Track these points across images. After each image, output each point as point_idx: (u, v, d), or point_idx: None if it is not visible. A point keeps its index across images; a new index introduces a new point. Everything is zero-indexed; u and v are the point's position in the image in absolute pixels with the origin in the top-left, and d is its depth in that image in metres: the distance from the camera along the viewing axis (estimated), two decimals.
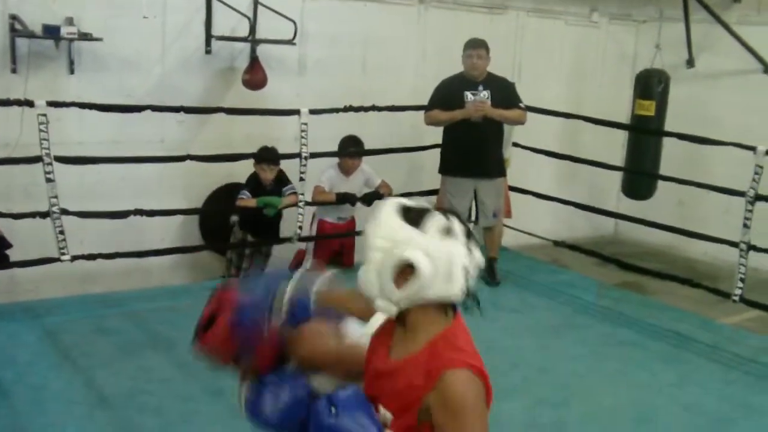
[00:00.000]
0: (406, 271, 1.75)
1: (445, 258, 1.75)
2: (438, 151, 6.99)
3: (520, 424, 4.44)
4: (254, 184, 6.48)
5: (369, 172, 6.97)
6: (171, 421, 4.22)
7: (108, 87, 6.08)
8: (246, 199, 6.43)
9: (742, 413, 4.75)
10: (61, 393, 4.49)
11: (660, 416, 4.65)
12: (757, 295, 6.06)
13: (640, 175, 7.59)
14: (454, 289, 1.77)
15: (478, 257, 1.84)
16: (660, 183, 7.34)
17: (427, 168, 7.28)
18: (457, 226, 1.80)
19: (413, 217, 1.79)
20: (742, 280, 6.01)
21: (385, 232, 1.79)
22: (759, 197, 5.93)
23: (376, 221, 1.82)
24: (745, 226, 5.99)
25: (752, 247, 5.97)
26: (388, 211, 1.82)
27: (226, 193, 6.71)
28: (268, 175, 6.46)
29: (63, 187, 5.62)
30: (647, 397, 4.89)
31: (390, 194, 6.98)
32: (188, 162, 6.16)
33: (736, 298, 6.02)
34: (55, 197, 5.61)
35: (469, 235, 1.83)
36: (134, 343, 5.25)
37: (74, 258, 5.74)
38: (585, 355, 5.52)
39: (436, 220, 1.79)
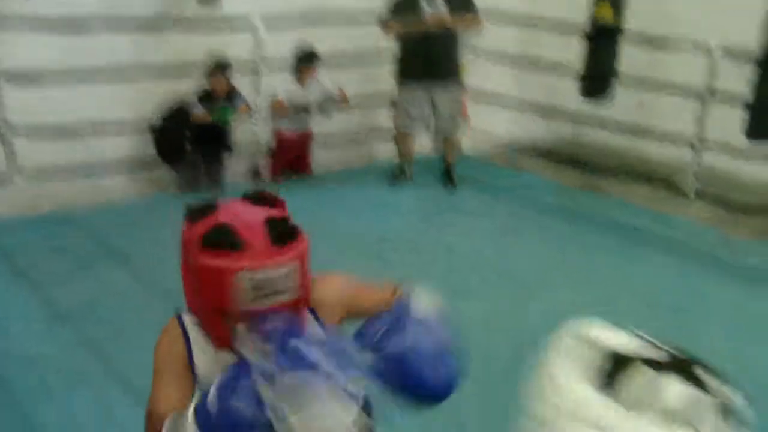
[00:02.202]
0: None
1: None
2: (394, 58, 6.90)
3: (480, 324, 4.48)
4: (207, 97, 6.38)
5: (325, 81, 6.88)
6: (129, 333, 4.21)
7: (57, 9, 5.89)
8: (200, 112, 6.33)
9: (697, 303, 4.85)
10: (20, 311, 4.47)
11: (620, 310, 4.70)
12: (711, 190, 6.14)
13: (599, 77, 7.55)
14: None
15: None
16: (618, 83, 7.31)
17: (384, 76, 7.19)
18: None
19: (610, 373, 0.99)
20: (697, 177, 6.08)
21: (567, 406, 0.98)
22: (712, 95, 5.95)
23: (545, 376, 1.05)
24: (699, 124, 6.04)
25: (706, 145, 6.03)
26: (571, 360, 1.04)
27: (180, 108, 6.59)
28: (221, 85, 6.35)
29: (13, 108, 5.49)
30: (607, 292, 4.95)
31: (346, 103, 6.92)
32: (142, 78, 6.03)
33: (692, 194, 6.10)
34: (4, 118, 5.48)
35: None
36: (90, 258, 5.21)
37: (27, 177, 5.63)
38: (545, 255, 5.57)
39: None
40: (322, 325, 1.81)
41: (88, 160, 5.99)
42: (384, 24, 6.70)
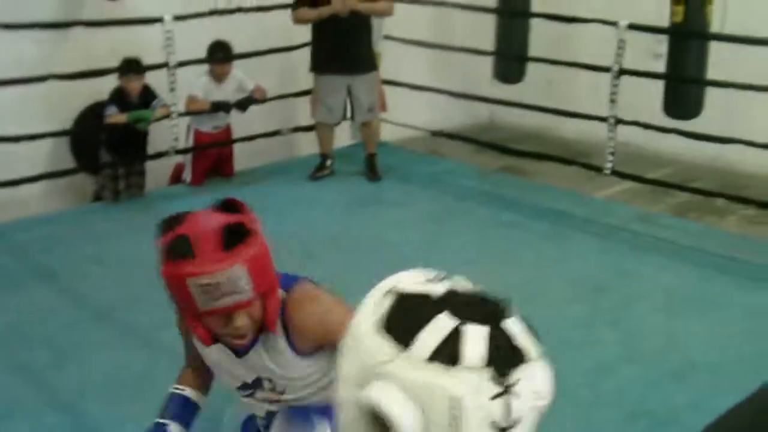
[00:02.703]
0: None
1: (441, 404, 0.90)
2: (309, 50, 6.89)
3: None
4: (120, 99, 6.25)
5: (241, 77, 6.82)
6: (62, 351, 4.16)
7: None
8: (114, 115, 6.21)
9: (618, 279, 5.00)
10: None
11: (544, 291, 4.84)
12: (627, 167, 6.31)
13: (510, 59, 7.66)
14: None
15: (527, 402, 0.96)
16: (530, 65, 7.44)
17: (300, 68, 7.17)
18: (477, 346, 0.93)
19: (403, 324, 0.95)
20: (612, 154, 6.25)
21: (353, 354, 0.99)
22: (623, 71, 6.11)
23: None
24: (612, 101, 6.20)
25: (620, 121, 6.20)
26: (365, 311, 1.03)
27: (95, 112, 6.47)
28: (134, 85, 6.22)
29: None
30: (532, 274, 5.07)
31: (264, 98, 6.89)
32: (51, 82, 5.90)
33: (608, 172, 6.26)
34: None
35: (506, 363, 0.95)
36: (13, 275, 5.10)
37: None
38: (471, 241, 5.65)
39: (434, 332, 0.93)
40: (293, 348, 2.04)
41: (3, 170, 5.84)
42: (294, 13, 6.68)
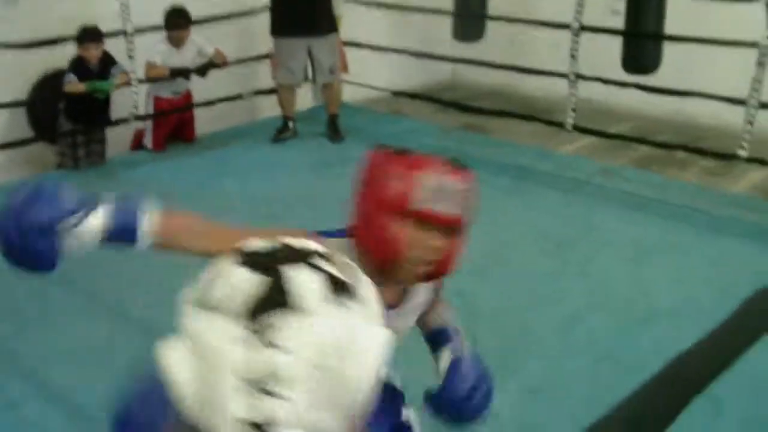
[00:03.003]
0: None
1: (202, 353, 0.86)
2: (268, 13, 6.83)
3: None
4: (79, 67, 6.16)
5: (200, 42, 6.75)
6: (24, 319, 4.12)
7: None
8: (74, 83, 6.13)
9: (584, 232, 5.05)
10: None
11: (511, 247, 4.88)
12: (588, 122, 6.36)
13: (469, 17, 7.65)
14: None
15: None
16: (490, 23, 7.44)
17: (259, 32, 7.11)
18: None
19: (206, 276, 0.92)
20: (573, 110, 6.29)
21: None
22: (583, 28, 6.14)
23: None
24: (573, 57, 6.23)
25: (580, 77, 6.23)
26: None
27: (52, 81, 6.36)
28: (93, 53, 6.13)
29: None
30: (497, 231, 5.09)
31: (224, 62, 6.83)
32: (3, 52, 5.78)
33: (570, 127, 6.31)
34: None
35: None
36: None
37: None
38: None
39: None
40: (437, 292, 2.08)
41: None
42: None
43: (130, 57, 6.31)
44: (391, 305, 1.79)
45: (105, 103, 6.38)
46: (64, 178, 6.25)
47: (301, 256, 0.89)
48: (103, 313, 4.20)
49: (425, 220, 1.63)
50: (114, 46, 6.29)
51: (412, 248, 1.65)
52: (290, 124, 7.00)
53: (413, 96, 7.51)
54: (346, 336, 0.84)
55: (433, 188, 1.63)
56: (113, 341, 3.79)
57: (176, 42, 6.60)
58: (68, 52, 6.16)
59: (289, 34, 6.67)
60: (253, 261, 0.88)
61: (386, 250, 1.67)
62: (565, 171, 6.09)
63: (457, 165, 1.75)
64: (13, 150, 6.27)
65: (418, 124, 7.42)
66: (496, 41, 7.56)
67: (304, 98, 7.41)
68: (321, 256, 0.90)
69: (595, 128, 6.37)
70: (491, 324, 4.01)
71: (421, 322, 2.03)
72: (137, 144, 6.87)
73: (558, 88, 6.55)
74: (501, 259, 4.71)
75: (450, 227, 1.67)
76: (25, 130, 6.39)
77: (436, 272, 1.76)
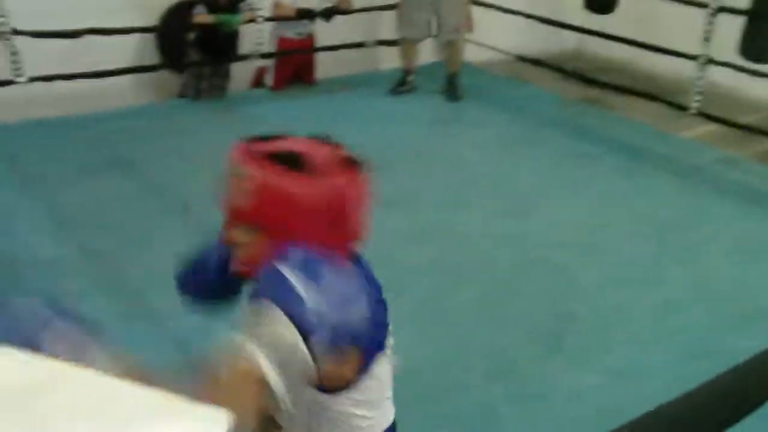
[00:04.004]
0: None
1: None
2: None
3: (482, 234, 4.57)
4: (209, 0, 6.29)
5: None
6: (133, 239, 4.29)
7: None
8: (203, 15, 6.26)
9: (692, 220, 4.91)
10: (26, 215, 4.53)
11: (615, 225, 4.80)
12: (714, 109, 6.13)
13: None
14: None
15: None
16: None
17: None
18: None
19: None
20: (700, 93, 6.08)
21: None
22: (721, 9, 5.91)
23: None
24: (706, 39, 6.00)
25: (711, 61, 6.01)
26: None
27: (183, 11, 6.52)
28: None
29: (14, 6, 5.44)
30: (604, 207, 5.03)
31: (350, 8, 6.86)
32: None
33: (694, 111, 6.11)
34: (3, 16, 5.45)
35: None
36: (96, 164, 5.25)
37: (31, 79, 5.63)
38: (546, 168, 5.61)
39: None
40: None
41: (92, 63, 5.95)
42: None
43: None
44: None
45: (232, 38, 6.50)
46: (185, 106, 6.43)
47: None
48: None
49: None
50: None
51: None
52: (409, 78, 7.00)
53: (536, 62, 7.40)
54: None
55: None
56: None
57: None
58: None
59: None
60: None
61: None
62: (682, 156, 5.92)
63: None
64: (140, 75, 6.47)
65: (538, 91, 7.31)
66: (627, 15, 7.34)
67: (426, 53, 7.38)
68: None
69: (720, 115, 6.13)
70: (587, 301, 3.98)
71: None
72: (258, 82, 6.99)
73: (686, 69, 6.34)
74: (604, 237, 4.64)
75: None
76: (153, 57, 6.57)
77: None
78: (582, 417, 3.16)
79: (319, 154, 1.44)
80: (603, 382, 3.37)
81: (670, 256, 4.46)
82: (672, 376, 3.44)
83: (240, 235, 1.45)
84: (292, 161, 1.40)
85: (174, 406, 0.88)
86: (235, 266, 1.52)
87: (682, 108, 6.24)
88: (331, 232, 1.43)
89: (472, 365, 3.44)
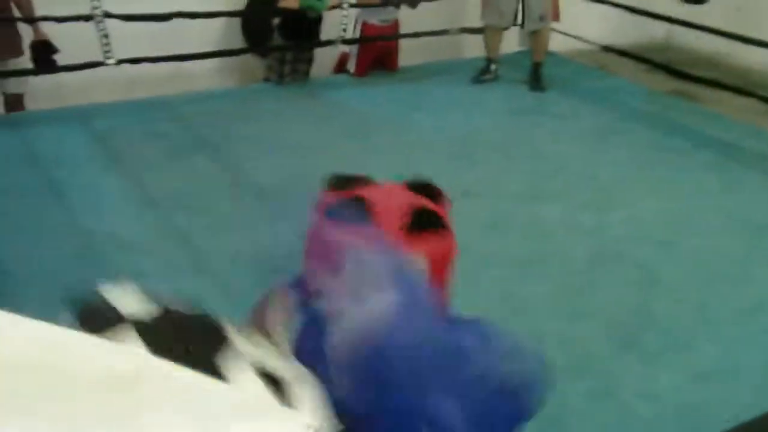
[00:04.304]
0: None
1: None
2: None
3: (561, 226, 4.51)
4: None
5: None
6: (217, 220, 4.35)
7: None
8: (288, 0, 6.31)
9: None
10: (113, 193, 4.63)
11: (701, 222, 4.67)
12: None
13: None
14: None
15: None
16: None
17: None
18: None
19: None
20: None
21: None
22: None
23: None
24: None
25: None
26: None
27: None
28: None
29: None
30: (689, 203, 4.90)
31: None
32: None
33: None
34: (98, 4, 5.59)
35: None
36: (181, 146, 5.34)
37: (119, 62, 5.77)
38: (630, 161, 5.50)
39: None
40: None
41: (179, 46, 6.05)
42: None
43: None
44: None
45: (317, 23, 6.53)
46: (268, 90, 6.49)
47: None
48: (286, 226, 4.37)
49: None
50: None
51: None
52: (493, 66, 6.93)
53: (623, 53, 7.24)
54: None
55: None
56: (292, 253, 3.93)
57: None
58: None
59: None
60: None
61: None
62: None
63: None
64: (225, 59, 6.56)
65: (624, 83, 7.17)
66: (721, 5, 7.14)
67: (510, 42, 7.30)
68: None
69: None
70: (668, 298, 3.88)
71: None
72: (341, 67, 7.01)
73: None
74: (688, 234, 4.52)
75: None
76: (237, 40, 6.66)
77: None
78: (657, 417, 3.09)
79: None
80: (683, 382, 3.28)
81: (757, 256, 4.32)
82: (759, 379, 3.34)
83: None
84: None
85: (260, 405, 0.88)
86: None
87: None
88: None
89: (547, 357, 3.39)
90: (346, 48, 6.90)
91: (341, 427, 0.97)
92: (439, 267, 1.34)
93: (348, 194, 1.36)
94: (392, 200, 1.35)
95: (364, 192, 1.36)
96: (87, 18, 5.60)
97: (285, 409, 0.89)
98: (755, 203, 4.96)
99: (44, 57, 5.71)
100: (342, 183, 1.41)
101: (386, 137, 5.51)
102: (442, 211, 1.41)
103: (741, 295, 3.94)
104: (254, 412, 0.86)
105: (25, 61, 5.70)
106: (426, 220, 1.35)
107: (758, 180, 5.31)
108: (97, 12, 5.60)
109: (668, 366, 3.39)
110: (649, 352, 3.48)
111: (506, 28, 6.86)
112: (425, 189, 1.42)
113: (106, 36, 5.67)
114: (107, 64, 5.75)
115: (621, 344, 3.54)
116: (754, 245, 4.45)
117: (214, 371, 0.85)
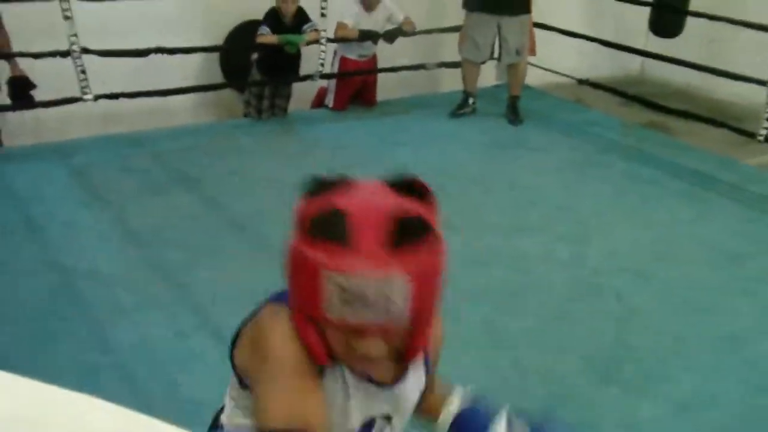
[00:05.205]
0: None
1: None
2: None
3: (538, 259, 4.53)
4: (274, 20, 6.35)
5: (392, 7, 6.83)
6: (197, 255, 4.34)
7: None
8: (267, 35, 6.34)
9: (758, 249, 4.80)
10: (91, 228, 4.62)
11: (676, 252, 4.72)
12: None
13: (669, 11, 7.37)
14: None
15: None
16: (689, 20, 7.14)
17: (449, 3, 7.12)
18: None
19: None
20: None
21: None
22: None
23: None
24: None
25: None
26: None
27: (247, 31, 6.62)
28: (290, 7, 6.31)
29: (82, 26, 5.58)
30: (665, 234, 4.95)
31: (413, 31, 6.88)
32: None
33: (761, 138, 5.98)
34: (75, 35, 5.58)
35: None
36: (159, 181, 5.34)
37: (97, 97, 5.78)
38: (606, 193, 5.55)
39: None
40: (428, 368, 1.54)
41: (157, 82, 6.07)
42: None
43: (323, 15, 6.46)
44: (385, 383, 1.42)
45: (295, 59, 6.57)
46: (246, 126, 6.51)
47: None
48: (267, 258, 4.35)
49: (348, 329, 1.23)
50: (308, 3, 6.45)
51: (341, 352, 1.28)
52: (470, 100, 6.99)
53: (598, 86, 7.33)
54: None
55: (345, 294, 1.18)
56: (274, 287, 3.92)
57: (369, 5, 6.70)
58: (264, 5, 6.36)
59: (481, 9, 6.64)
60: None
61: (311, 353, 1.28)
62: (748, 184, 5.79)
63: (407, 222, 1.21)
64: (203, 94, 6.58)
65: (600, 116, 7.25)
66: (693, 39, 7.25)
67: (488, 76, 7.38)
68: None
69: None
70: (645, 329, 3.91)
71: (425, 409, 1.61)
72: (319, 102, 7.05)
73: (753, 95, 6.22)
74: (664, 264, 4.55)
75: (381, 333, 1.23)
76: (216, 76, 6.68)
77: (404, 357, 1.34)
78: None
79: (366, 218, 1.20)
80: (661, 413, 3.29)
81: (734, 287, 4.36)
82: (736, 409, 3.36)
83: (378, 347, 1.25)
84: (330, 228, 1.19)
85: None
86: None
87: (749, 135, 6.12)
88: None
89: (530, 390, 3.40)
90: (324, 83, 6.94)
91: None
92: (429, 282, 1.23)
93: (324, 202, 1.22)
94: (372, 208, 1.21)
95: (342, 200, 1.22)
96: (64, 54, 5.61)
97: None
98: (728, 232, 5.02)
99: (21, 93, 5.70)
100: (319, 187, 1.27)
101: (364, 171, 5.50)
102: (430, 211, 1.26)
103: (717, 325, 3.97)
104: None
105: (2, 97, 5.69)
106: (411, 231, 1.20)
107: (731, 209, 5.38)
108: (75, 48, 5.61)
109: (648, 397, 3.41)
110: (629, 383, 3.50)
111: (483, 62, 6.93)
112: (410, 187, 1.28)
113: (83, 72, 5.68)
114: (85, 100, 5.76)
115: (601, 376, 3.55)
116: (731, 275, 4.49)
117: None
